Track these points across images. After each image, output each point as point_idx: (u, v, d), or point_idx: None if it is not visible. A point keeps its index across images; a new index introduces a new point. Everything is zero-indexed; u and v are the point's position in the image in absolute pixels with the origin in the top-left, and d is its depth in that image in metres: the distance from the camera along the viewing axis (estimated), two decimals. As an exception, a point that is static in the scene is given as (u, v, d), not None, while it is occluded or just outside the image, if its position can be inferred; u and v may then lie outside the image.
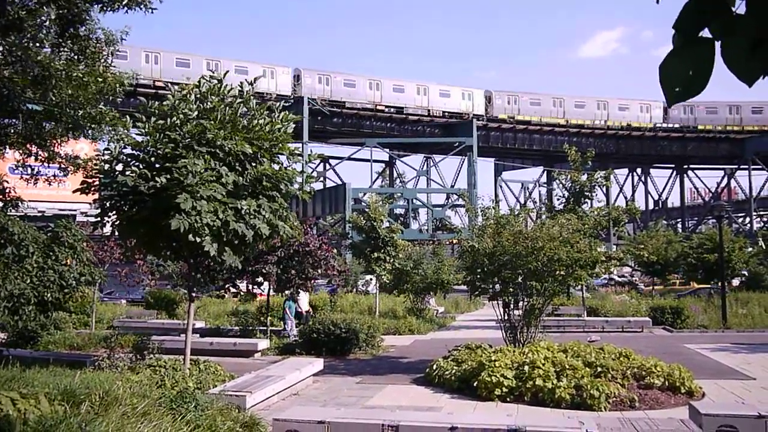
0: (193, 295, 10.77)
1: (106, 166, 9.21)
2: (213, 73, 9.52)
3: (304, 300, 19.19)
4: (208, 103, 9.04)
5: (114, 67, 12.17)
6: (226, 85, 9.39)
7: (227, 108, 9.14)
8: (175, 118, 8.72)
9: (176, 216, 7.92)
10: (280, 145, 9.54)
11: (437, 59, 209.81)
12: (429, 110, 58.25)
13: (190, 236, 8.08)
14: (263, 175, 9.06)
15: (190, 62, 51.14)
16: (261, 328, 17.98)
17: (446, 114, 58.57)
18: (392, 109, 56.91)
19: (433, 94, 58.53)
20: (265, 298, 18.69)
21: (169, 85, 9.96)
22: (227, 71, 9.97)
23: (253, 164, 9.15)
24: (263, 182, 9.12)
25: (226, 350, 14.68)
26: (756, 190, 72.48)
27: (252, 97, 9.57)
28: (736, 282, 32.30)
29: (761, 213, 78.46)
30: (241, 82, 9.65)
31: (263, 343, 15.32)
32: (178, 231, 7.94)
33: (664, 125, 66.35)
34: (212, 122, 8.79)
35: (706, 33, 1.72)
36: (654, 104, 65.54)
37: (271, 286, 16.81)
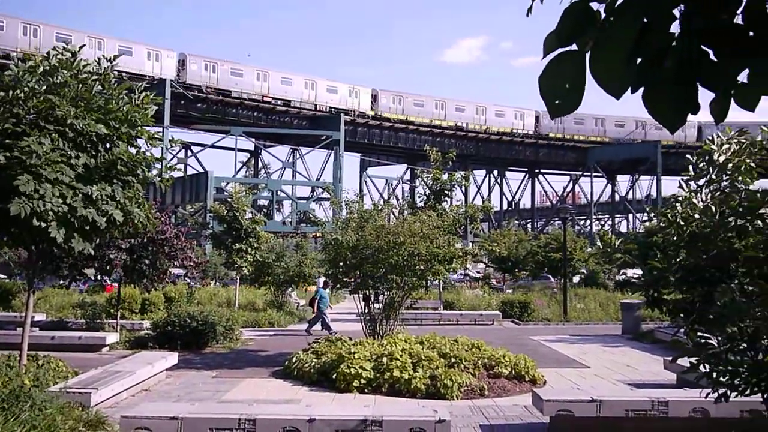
0: (34, 284, 9.91)
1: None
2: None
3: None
4: (59, 78, 8.34)
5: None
6: (81, 59, 8.71)
7: (81, 85, 8.47)
8: (18, 91, 7.95)
9: (16, 200, 7.24)
10: (139, 128, 9.00)
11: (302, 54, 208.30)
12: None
13: (35, 221, 7.43)
14: (118, 159, 8.51)
15: (242, 72, 55.82)
16: (110, 321, 16.96)
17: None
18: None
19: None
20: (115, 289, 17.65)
21: (12, 55, 9.04)
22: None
23: (108, 147, 8.57)
24: (118, 166, 8.57)
25: (70, 345, 13.71)
26: (596, 195, 79.29)
27: (111, 75, 8.94)
28: (576, 279, 35.04)
29: (599, 216, 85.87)
30: (99, 59, 8.99)
31: (112, 337, 14.45)
32: (18, 215, 7.26)
33: (520, 131, 70.80)
34: (63, 99, 8.12)
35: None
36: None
37: (122, 277, 15.87)
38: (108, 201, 8.19)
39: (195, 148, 62.91)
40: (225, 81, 54.19)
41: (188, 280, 27.97)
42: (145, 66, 49.26)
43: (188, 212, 57.06)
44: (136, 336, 15.23)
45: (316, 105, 59.12)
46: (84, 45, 9.51)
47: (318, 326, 17.83)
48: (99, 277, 16.76)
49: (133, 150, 8.97)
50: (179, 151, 59.26)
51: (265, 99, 56.38)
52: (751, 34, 1.60)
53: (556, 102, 1.73)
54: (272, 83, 56.59)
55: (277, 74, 57.46)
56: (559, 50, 1.71)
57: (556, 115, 1.75)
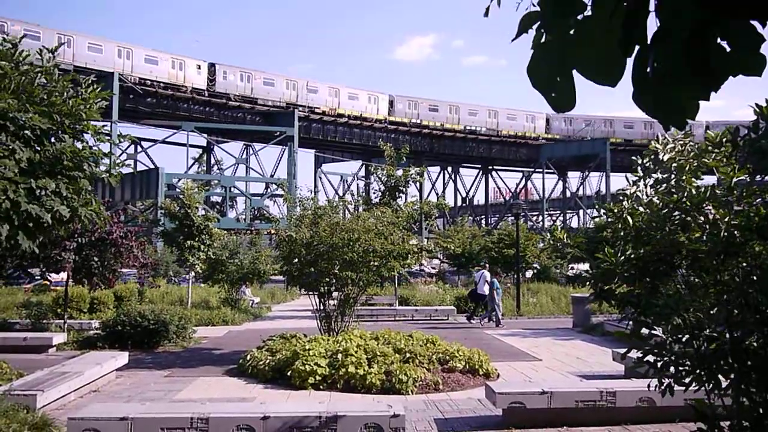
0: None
1: None
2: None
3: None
4: (-1, 70, 8.02)
5: None
6: (22, 50, 8.41)
7: (23, 77, 8.18)
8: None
9: (-46, 195, 6.96)
10: (85, 122, 8.74)
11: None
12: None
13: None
14: (63, 154, 8.25)
15: (438, 107, 69.13)
16: (57, 321, 16.47)
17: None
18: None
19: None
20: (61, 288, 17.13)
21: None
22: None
23: (53, 141, 8.30)
24: (63, 161, 8.31)
25: (14, 346, 13.27)
26: (548, 191, 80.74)
27: (55, 68, 8.65)
28: (529, 274, 35.61)
29: (551, 212, 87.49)
30: (40, 50, 8.70)
31: (59, 337, 14.05)
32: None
33: (472, 128, 71.47)
34: (3, 91, 7.83)
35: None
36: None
37: (69, 276, 15.42)
38: (52, 197, 7.95)
39: (145, 144, 61.53)
40: (424, 115, 67.64)
41: (137, 280, 27.35)
42: (367, 108, 64.43)
43: (139, 209, 55.78)
44: (84, 336, 14.83)
45: (498, 131, 71.59)
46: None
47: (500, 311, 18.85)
48: (47, 274, 16.26)
49: (79, 145, 8.73)
50: (129, 146, 57.83)
51: (455, 128, 69.09)
52: None
53: (553, 95, 1.58)
54: (462, 115, 69.63)
55: (466, 107, 69.89)
56: (543, 39, 1.59)
57: (558, 110, 1.59)
